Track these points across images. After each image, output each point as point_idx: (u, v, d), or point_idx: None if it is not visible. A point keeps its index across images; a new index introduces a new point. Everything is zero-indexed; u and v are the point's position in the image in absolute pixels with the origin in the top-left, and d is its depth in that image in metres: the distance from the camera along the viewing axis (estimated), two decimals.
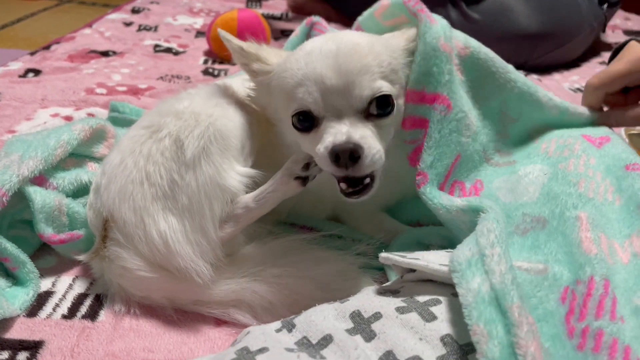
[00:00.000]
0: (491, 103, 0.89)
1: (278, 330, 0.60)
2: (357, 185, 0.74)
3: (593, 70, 2.11)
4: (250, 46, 0.84)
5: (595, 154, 0.80)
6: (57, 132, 0.91)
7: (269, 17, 2.62)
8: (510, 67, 0.89)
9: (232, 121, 0.81)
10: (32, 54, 1.79)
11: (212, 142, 0.77)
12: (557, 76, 2.05)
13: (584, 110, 0.95)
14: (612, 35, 2.61)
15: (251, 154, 0.82)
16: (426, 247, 0.88)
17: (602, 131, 0.89)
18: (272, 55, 0.83)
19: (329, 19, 2.56)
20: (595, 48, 2.31)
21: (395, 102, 0.77)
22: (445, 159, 0.81)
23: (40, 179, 0.86)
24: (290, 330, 0.60)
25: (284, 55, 0.83)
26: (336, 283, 0.78)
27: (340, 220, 1.00)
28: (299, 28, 1.17)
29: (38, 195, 0.81)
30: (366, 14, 1.03)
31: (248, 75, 0.87)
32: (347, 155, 0.70)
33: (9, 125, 1.28)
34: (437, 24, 0.80)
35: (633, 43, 0.94)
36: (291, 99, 0.77)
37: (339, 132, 0.72)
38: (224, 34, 0.85)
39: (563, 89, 1.87)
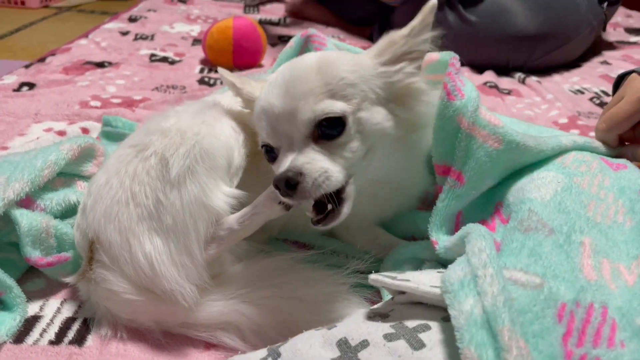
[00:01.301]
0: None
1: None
2: (323, 211, 0.73)
3: (594, 70, 2.09)
4: (240, 82, 0.86)
5: (611, 175, 0.78)
6: (44, 152, 0.90)
7: (266, 23, 2.61)
8: (542, 141, 0.83)
9: (219, 140, 0.80)
10: (27, 67, 1.78)
11: (198, 161, 0.76)
12: (557, 77, 2.02)
13: (599, 145, 0.92)
14: (614, 34, 2.58)
15: (237, 174, 0.81)
16: (421, 262, 0.86)
17: (620, 160, 0.87)
18: (256, 88, 0.84)
19: (327, 24, 2.57)
20: (595, 47, 2.29)
21: (348, 120, 0.73)
22: (448, 222, 0.81)
23: (27, 201, 0.84)
24: (275, 359, 0.58)
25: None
26: (326, 305, 0.76)
27: (335, 235, 0.98)
28: (293, 40, 1.16)
29: (24, 219, 0.80)
30: None
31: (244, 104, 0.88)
32: (283, 184, 0.69)
33: (1, 142, 1.27)
34: (456, 102, 0.76)
35: (634, 77, 0.90)
36: (258, 129, 0.79)
37: (282, 164, 0.72)
38: (222, 72, 0.88)
39: (563, 90, 1.85)
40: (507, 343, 0.49)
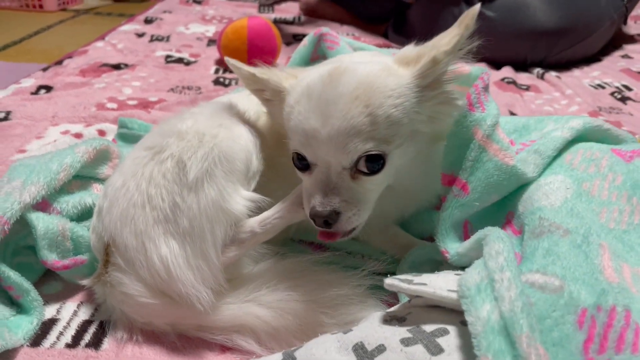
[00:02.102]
0: None
1: None
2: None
3: (615, 64, 2.05)
4: (262, 72, 0.81)
5: (622, 170, 0.76)
6: (60, 155, 0.90)
7: (281, 22, 2.61)
8: (542, 147, 0.82)
9: (238, 143, 0.79)
10: (44, 69, 1.80)
11: (217, 165, 0.76)
12: (576, 72, 1.99)
13: (610, 127, 0.89)
14: (635, 27, 2.53)
15: (255, 177, 0.81)
16: (439, 263, 0.85)
17: (635, 145, 0.84)
18: (283, 78, 0.79)
19: (342, 22, 2.56)
20: (616, 41, 2.24)
21: (387, 158, 0.72)
22: (455, 231, 0.80)
23: (43, 204, 0.85)
24: None
25: (294, 76, 0.79)
26: (342, 307, 0.75)
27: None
28: (307, 38, 1.15)
29: (41, 222, 0.81)
30: None
31: (260, 102, 0.86)
32: (321, 222, 0.72)
33: (19, 145, 1.28)
34: (476, 113, 0.75)
35: None
36: (291, 136, 0.75)
37: (318, 199, 0.71)
38: (233, 62, 0.83)
39: (583, 85, 1.82)
40: (525, 351, 0.48)
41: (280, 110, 0.78)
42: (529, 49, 1.99)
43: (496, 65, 2.01)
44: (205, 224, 0.74)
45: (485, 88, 0.78)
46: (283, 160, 0.84)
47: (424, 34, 0.82)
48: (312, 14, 2.71)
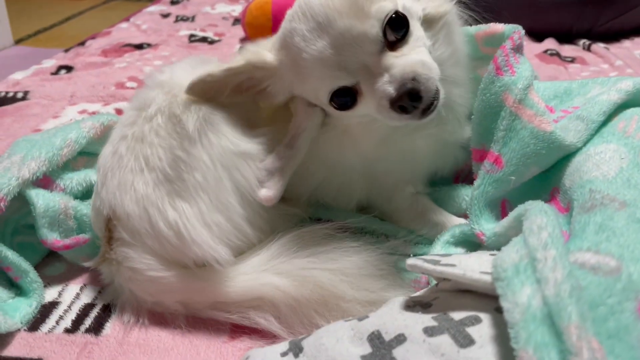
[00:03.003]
0: None
1: (284, 354, 0.51)
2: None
3: None
4: (237, 61, 0.74)
5: None
6: (64, 130, 0.85)
7: None
8: (585, 112, 0.74)
9: None
10: (66, 50, 1.78)
11: (213, 112, 0.72)
12: (627, 43, 1.84)
13: None
14: None
15: (255, 112, 0.78)
16: (478, 246, 0.75)
17: None
18: (259, 53, 0.75)
19: None
20: None
21: (406, 15, 0.67)
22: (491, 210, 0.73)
23: (45, 181, 0.80)
24: (297, 355, 0.50)
25: (264, 47, 0.76)
26: (367, 280, 0.68)
27: (377, 210, 0.88)
28: None
29: (40, 199, 0.76)
30: (465, 31, 0.85)
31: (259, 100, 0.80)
32: (407, 99, 0.64)
33: (35, 124, 1.25)
34: (505, 77, 0.70)
35: None
36: (317, 84, 0.70)
37: (387, 86, 0.65)
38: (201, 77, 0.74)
39: (635, 57, 1.68)
40: (575, 344, 0.40)
41: (280, 85, 0.75)
42: (574, 18, 1.84)
43: (538, 37, 1.88)
44: (221, 172, 0.70)
45: (516, 48, 0.71)
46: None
47: None
48: None
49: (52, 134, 0.85)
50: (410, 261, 0.55)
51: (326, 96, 0.70)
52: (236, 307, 0.69)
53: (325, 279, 0.67)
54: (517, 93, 0.68)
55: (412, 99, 0.64)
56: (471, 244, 0.76)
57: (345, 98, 0.70)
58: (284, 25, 0.73)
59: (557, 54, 1.71)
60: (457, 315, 0.51)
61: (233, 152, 0.71)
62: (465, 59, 0.81)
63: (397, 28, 0.66)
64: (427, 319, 0.51)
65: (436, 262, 0.55)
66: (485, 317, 0.50)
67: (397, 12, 0.66)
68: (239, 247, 0.72)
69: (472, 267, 0.54)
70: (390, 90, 0.64)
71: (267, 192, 0.71)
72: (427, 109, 0.66)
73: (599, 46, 1.76)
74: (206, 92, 0.73)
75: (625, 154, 0.66)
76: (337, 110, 0.72)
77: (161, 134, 0.70)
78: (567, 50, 1.77)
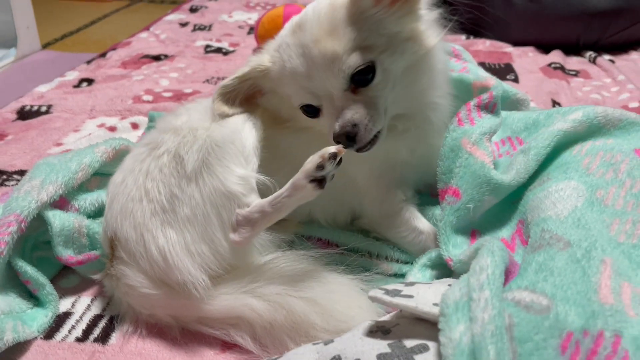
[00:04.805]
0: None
1: None
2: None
3: None
4: (241, 70, 0.86)
5: None
6: (79, 154, 0.94)
7: None
8: (533, 143, 0.83)
9: (227, 128, 0.83)
10: (88, 62, 1.87)
11: (210, 153, 0.79)
12: (634, 55, 1.86)
13: (630, 116, 0.82)
14: None
15: (254, 153, 0.82)
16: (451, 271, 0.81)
17: None
18: (259, 58, 0.86)
19: None
20: None
21: (377, 64, 0.76)
22: (463, 239, 0.81)
23: (62, 202, 0.89)
24: None
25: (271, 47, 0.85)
26: (339, 310, 0.74)
27: (365, 227, 0.96)
28: None
29: (57, 219, 0.84)
30: (464, 79, 0.95)
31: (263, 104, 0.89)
32: (344, 139, 0.76)
33: (57, 138, 1.34)
34: (464, 126, 0.83)
35: None
36: (293, 92, 0.82)
37: (336, 125, 0.77)
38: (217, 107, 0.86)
39: (639, 70, 1.69)
40: None
41: (271, 84, 0.85)
42: (581, 31, 1.87)
43: (545, 48, 1.91)
44: (210, 210, 0.77)
45: (483, 106, 0.85)
46: (281, 139, 0.89)
47: None
48: None
49: (68, 159, 0.93)
50: (372, 293, 0.61)
51: (297, 104, 0.82)
52: (218, 324, 0.76)
53: (298, 307, 0.73)
54: (474, 138, 0.79)
55: (349, 140, 0.76)
56: (446, 267, 0.82)
57: (312, 109, 0.82)
58: (284, 30, 0.83)
59: (561, 68, 1.73)
60: (410, 343, 0.57)
61: (222, 192, 0.77)
62: (445, 85, 0.89)
63: (364, 74, 0.76)
64: (382, 346, 0.57)
65: (396, 294, 0.61)
66: (432, 346, 0.56)
67: (368, 65, 0.76)
68: (221, 274, 0.78)
69: (427, 298, 0.60)
70: (336, 127, 0.77)
71: (236, 237, 0.77)
72: (363, 148, 0.78)
73: (604, 59, 1.78)
74: (226, 102, 0.86)
75: (583, 192, 0.71)
76: (306, 117, 0.83)
77: (164, 171, 0.79)
78: (572, 62, 1.80)
